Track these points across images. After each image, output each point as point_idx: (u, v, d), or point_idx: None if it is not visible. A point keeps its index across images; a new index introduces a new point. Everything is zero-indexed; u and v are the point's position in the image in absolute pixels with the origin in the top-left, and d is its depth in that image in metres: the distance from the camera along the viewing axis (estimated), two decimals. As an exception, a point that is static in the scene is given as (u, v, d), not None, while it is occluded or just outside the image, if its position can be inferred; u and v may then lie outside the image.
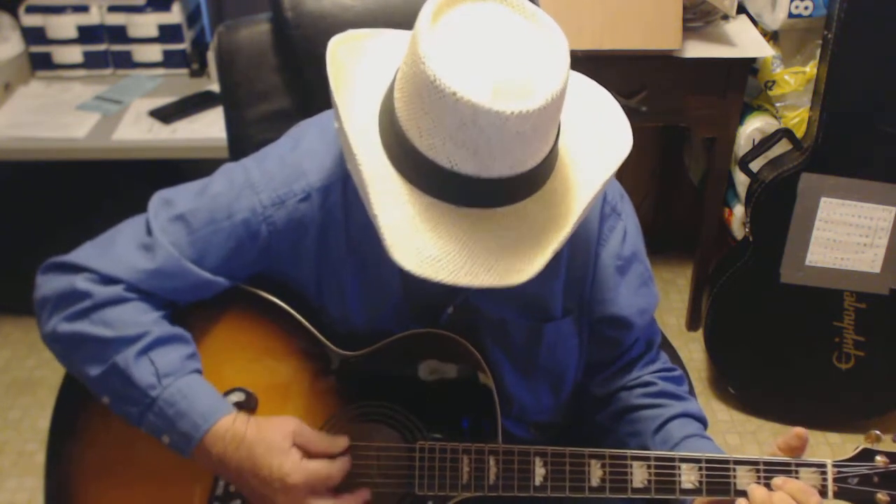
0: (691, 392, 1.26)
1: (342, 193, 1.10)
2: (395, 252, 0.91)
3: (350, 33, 1.05)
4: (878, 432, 1.04)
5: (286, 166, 1.11)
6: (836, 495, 1.03)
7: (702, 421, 1.19)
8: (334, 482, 1.07)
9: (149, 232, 1.10)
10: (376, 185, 0.94)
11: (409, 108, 0.92)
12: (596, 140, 1.02)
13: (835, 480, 1.03)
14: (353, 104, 0.99)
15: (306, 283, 1.15)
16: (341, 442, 1.10)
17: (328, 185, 1.10)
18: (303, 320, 1.15)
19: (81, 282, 1.08)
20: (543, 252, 0.95)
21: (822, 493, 1.02)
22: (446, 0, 0.93)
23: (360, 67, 1.03)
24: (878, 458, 1.03)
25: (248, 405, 1.14)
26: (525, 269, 0.94)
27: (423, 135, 0.91)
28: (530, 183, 0.96)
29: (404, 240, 0.92)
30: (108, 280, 1.08)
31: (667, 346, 1.32)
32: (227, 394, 1.14)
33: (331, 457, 1.08)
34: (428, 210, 0.94)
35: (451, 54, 0.89)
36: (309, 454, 1.07)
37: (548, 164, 0.97)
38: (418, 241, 0.92)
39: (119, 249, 1.10)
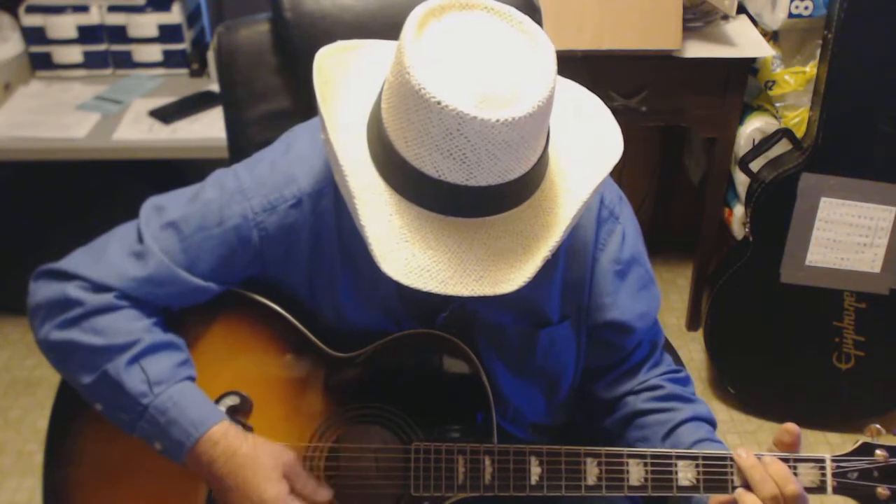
0: (694, 392, 1.25)
1: (333, 199, 1.09)
2: (383, 263, 0.91)
3: (338, 45, 1.05)
4: (878, 426, 1.03)
5: (277, 172, 1.10)
6: (836, 490, 1.03)
7: (711, 423, 1.18)
8: None
9: (140, 239, 1.10)
10: (363, 196, 0.94)
11: (396, 117, 0.92)
12: (586, 147, 1.02)
13: (834, 475, 1.02)
14: (340, 116, 0.99)
15: (299, 286, 1.15)
16: (326, 494, 1.09)
17: (319, 190, 1.09)
18: (297, 323, 1.15)
19: (73, 289, 1.08)
20: (533, 260, 0.95)
21: (822, 488, 1.02)
22: (431, 9, 0.93)
23: (348, 79, 1.03)
24: (877, 452, 1.03)
25: (243, 408, 1.14)
26: (515, 277, 0.94)
27: (410, 144, 0.91)
28: (519, 191, 0.95)
29: (392, 251, 0.92)
30: (99, 288, 1.08)
31: (667, 346, 1.31)
32: (221, 397, 1.14)
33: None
34: (416, 220, 0.94)
35: (435, 64, 0.89)
36: (293, 492, 1.06)
37: (536, 172, 0.96)
38: (406, 251, 0.92)
39: (110, 257, 1.10)
